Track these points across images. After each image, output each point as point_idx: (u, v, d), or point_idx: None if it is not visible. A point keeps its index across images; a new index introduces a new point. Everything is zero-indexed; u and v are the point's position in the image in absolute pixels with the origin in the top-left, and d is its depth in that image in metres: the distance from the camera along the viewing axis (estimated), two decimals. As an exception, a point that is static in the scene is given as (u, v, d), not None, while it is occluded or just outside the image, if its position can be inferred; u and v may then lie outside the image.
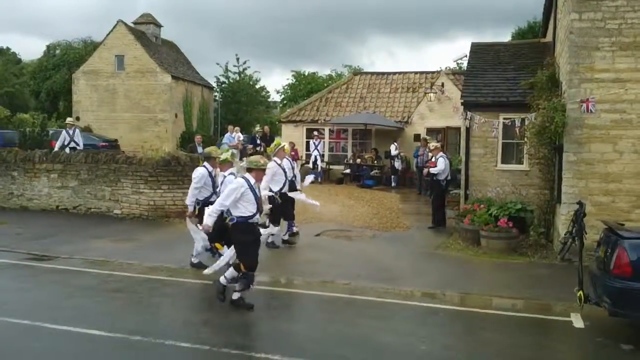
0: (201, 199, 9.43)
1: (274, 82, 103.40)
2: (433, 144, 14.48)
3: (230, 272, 7.61)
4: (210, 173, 9.52)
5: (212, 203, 8.38)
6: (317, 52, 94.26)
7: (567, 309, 7.70)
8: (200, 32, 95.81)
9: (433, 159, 13.70)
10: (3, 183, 15.80)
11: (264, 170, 7.97)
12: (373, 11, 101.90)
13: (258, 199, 7.56)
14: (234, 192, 7.35)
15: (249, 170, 7.66)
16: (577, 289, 7.05)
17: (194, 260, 9.63)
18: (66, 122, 17.98)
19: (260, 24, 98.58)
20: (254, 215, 7.50)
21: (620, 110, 10.14)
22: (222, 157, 9.55)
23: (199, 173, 9.45)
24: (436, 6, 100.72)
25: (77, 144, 16.59)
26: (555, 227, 11.45)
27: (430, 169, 13.67)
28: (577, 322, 7.26)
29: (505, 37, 45.68)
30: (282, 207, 10.82)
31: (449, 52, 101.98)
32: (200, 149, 18.23)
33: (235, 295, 7.49)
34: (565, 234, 9.70)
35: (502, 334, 7.00)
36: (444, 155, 13.66)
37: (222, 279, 7.67)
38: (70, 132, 16.86)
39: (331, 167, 23.35)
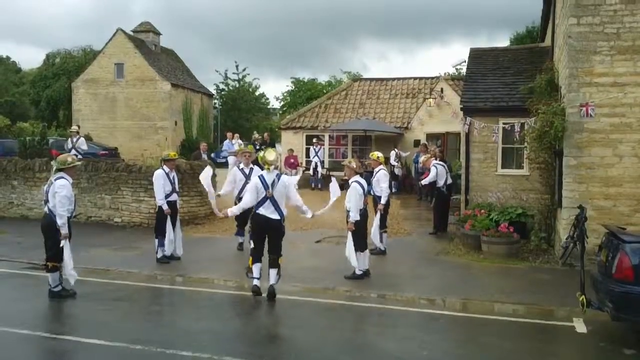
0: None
1: (269, 88, 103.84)
2: (423, 157, 14.58)
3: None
4: (167, 174, 10.49)
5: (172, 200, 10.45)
6: (310, 57, 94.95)
7: (569, 314, 7.67)
8: (195, 38, 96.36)
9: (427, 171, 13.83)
10: (3, 192, 15.80)
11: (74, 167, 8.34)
12: (365, 15, 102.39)
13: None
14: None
15: (60, 170, 8.07)
16: (579, 294, 7.02)
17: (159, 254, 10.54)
18: (70, 130, 17.96)
19: (253, 30, 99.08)
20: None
21: (619, 114, 10.13)
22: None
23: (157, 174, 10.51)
24: (428, 10, 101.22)
25: (79, 153, 16.55)
26: (557, 231, 11.43)
27: (422, 181, 14.07)
28: (580, 327, 7.24)
29: (501, 41, 45.91)
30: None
31: (444, 56, 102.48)
32: (205, 157, 18.26)
33: None
34: (566, 239, 9.64)
35: (504, 339, 6.96)
36: (437, 164, 13.57)
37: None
38: (74, 140, 16.87)
39: (331, 173, 23.31)
